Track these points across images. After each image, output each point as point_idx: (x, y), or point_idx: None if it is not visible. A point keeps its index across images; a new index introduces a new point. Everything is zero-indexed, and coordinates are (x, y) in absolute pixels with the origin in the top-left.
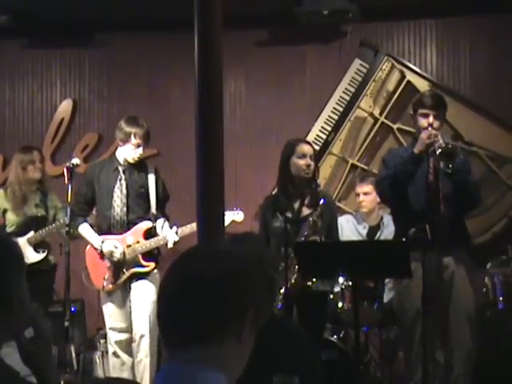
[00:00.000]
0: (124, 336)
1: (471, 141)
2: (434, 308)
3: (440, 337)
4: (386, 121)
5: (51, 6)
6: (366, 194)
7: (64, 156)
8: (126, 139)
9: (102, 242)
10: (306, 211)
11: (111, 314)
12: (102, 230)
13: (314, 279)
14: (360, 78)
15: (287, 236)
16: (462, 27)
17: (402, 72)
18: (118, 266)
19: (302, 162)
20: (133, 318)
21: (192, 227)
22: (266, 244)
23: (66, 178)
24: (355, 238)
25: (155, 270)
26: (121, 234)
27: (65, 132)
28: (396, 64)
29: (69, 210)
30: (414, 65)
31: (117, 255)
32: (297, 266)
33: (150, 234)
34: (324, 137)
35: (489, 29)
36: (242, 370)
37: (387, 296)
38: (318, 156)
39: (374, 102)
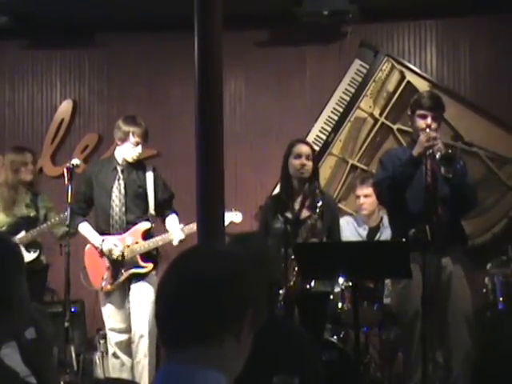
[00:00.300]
0: (123, 337)
1: (471, 141)
2: (434, 308)
3: (439, 337)
4: (386, 121)
5: (51, 6)
6: (367, 197)
7: (64, 156)
8: (125, 138)
9: (103, 240)
10: (305, 213)
11: (110, 314)
12: (101, 230)
13: (313, 283)
14: (360, 79)
15: (287, 237)
16: (462, 28)
17: (401, 72)
18: (116, 267)
19: (297, 162)
20: (132, 318)
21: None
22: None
23: (66, 179)
24: (355, 239)
25: (153, 272)
26: (120, 234)
27: (65, 132)
28: (396, 64)
29: (69, 210)
30: (414, 65)
31: (116, 253)
32: (296, 268)
33: (148, 234)
34: (324, 137)
35: (489, 29)
36: (239, 371)
37: (386, 299)
38: (317, 157)
39: (374, 103)
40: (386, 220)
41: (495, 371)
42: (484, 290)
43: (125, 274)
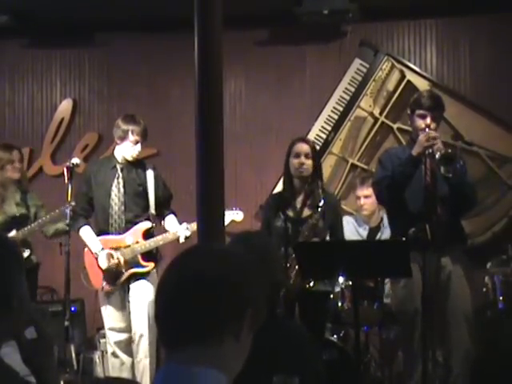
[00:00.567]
0: (123, 336)
1: (471, 140)
2: (434, 308)
3: (439, 336)
4: (386, 120)
5: (51, 6)
6: (367, 197)
7: (64, 156)
8: (124, 136)
9: (102, 248)
10: (307, 212)
11: (110, 314)
12: (100, 229)
13: (312, 283)
14: (360, 78)
15: (287, 235)
16: (462, 27)
17: (401, 72)
18: (118, 268)
19: (295, 161)
20: (132, 318)
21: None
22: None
23: (66, 178)
24: (356, 239)
25: (154, 270)
26: (119, 233)
27: (65, 132)
28: (396, 64)
29: (69, 209)
30: (414, 64)
31: (109, 267)
32: (297, 267)
33: (149, 234)
34: (324, 136)
35: (489, 29)
36: (239, 370)
37: (387, 299)
38: (318, 155)
39: (374, 102)
40: (386, 220)
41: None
42: (484, 290)
43: (126, 274)
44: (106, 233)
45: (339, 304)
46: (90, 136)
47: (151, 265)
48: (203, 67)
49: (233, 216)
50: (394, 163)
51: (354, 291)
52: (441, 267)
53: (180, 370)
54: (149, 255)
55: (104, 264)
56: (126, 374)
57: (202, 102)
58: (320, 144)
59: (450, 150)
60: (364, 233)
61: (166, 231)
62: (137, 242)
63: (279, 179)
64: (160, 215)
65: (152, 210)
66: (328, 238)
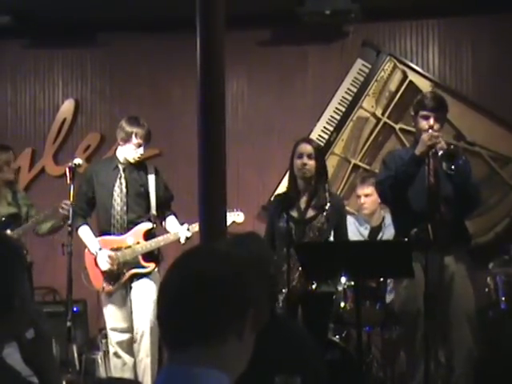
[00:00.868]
0: (125, 336)
1: (473, 141)
2: (436, 308)
3: (441, 337)
4: (388, 121)
5: (53, 6)
6: (368, 196)
7: (66, 156)
8: (127, 139)
9: (100, 249)
10: (311, 212)
11: (112, 314)
12: (102, 230)
13: (315, 285)
14: (362, 78)
15: (290, 235)
16: (465, 27)
17: (404, 72)
18: (116, 269)
19: (298, 162)
20: (133, 317)
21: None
22: (269, 244)
23: (68, 178)
24: (357, 239)
25: (156, 269)
26: (121, 234)
27: (67, 132)
28: (398, 64)
29: (71, 209)
30: (416, 65)
31: (108, 267)
32: (300, 268)
33: (150, 234)
34: (326, 137)
35: (491, 29)
36: (242, 370)
37: (389, 297)
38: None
39: (376, 102)
40: (387, 219)
41: (497, 370)
42: (486, 290)
43: (126, 275)
44: (108, 233)
45: (341, 304)
46: (92, 136)
47: (152, 265)
48: (205, 67)
49: (234, 217)
50: (398, 164)
51: (356, 291)
52: (444, 267)
53: (182, 370)
54: (150, 256)
55: (103, 266)
56: (128, 375)
57: (204, 102)
58: (322, 144)
59: (452, 147)
60: (365, 232)
61: (167, 232)
62: (138, 243)
63: (281, 179)
64: (161, 216)
65: (153, 210)
66: (332, 238)
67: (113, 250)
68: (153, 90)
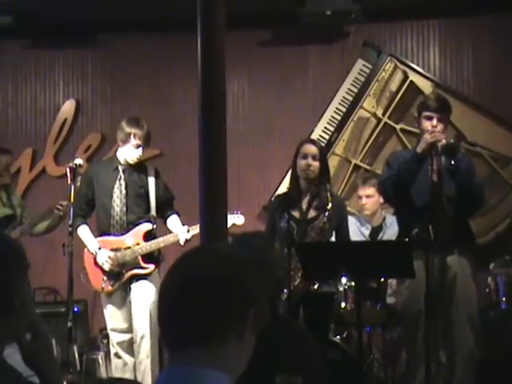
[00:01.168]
0: (126, 337)
1: (474, 141)
2: (438, 308)
3: (442, 336)
4: (388, 121)
5: (54, 6)
6: (369, 197)
7: (67, 156)
8: (126, 139)
9: (99, 248)
10: (312, 213)
11: (112, 314)
12: (102, 231)
13: (316, 285)
14: (363, 79)
15: (291, 235)
16: (465, 27)
17: (404, 72)
18: (116, 269)
19: (302, 163)
20: (133, 318)
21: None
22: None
23: (69, 179)
24: (358, 239)
25: (155, 271)
26: (121, 234)
27: (68, 132)
28: (399, 64)
29: (72, 210)
30: (417, 65)
31: (107, 267)
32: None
33: (150, 235)
34: (327, 137)
35: (492, 29)
36: (242, 370)
37: (390, 299)
38: (326, 157)
39: (377, 103)
40: (388, 219)
41: (498, 371)
42: (487, 290)
43: (126, 275)
44: (108, 234)
45: (342, 305)
46: (93, 137)
47: (151, 267)
48: (206, 67)
49: (234, 220)
50: (400, 163)
51: (356, 292)
52: (446, 267)
53: (182, 371)
54: (149, 257)
55: (102, 265)
56: (128, 375)
57: (205, 102)
58: (323, 145)
59: (452, 141)
60: (366, 232)
61: (169, 232)
62: (137, 244)
63: (282, 180)
64: (163, 216)
65: (153, 212)
66: (333, 238)
67: (112, 250)
68: (153, 90)
